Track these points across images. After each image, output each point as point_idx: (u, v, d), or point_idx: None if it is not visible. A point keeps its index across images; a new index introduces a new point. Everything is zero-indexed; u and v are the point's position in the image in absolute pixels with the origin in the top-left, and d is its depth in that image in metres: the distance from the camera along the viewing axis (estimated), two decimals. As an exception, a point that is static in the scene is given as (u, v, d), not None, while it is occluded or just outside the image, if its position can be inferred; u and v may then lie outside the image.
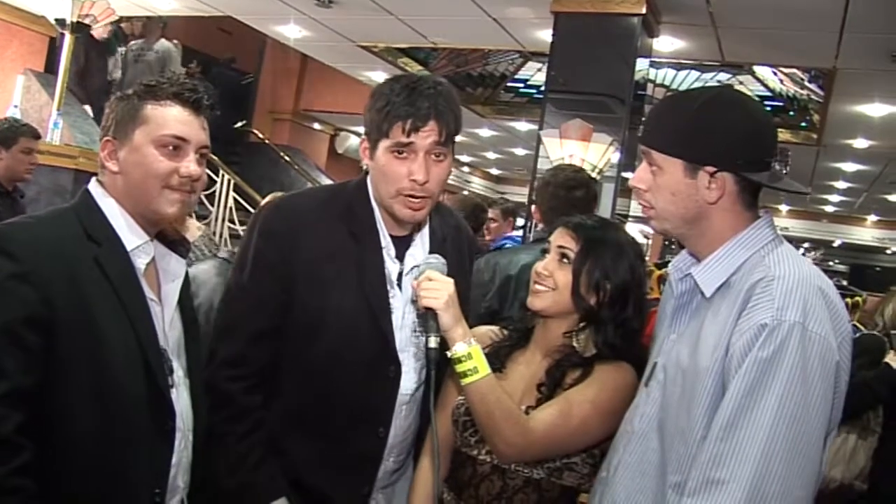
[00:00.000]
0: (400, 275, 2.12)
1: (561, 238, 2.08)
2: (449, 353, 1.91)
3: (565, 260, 2.04)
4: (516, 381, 2.04)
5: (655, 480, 1.73)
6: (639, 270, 2.06)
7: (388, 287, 2.09)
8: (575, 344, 2.04)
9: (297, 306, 2.04)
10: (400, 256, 2.13)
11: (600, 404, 1.95)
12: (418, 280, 1.94)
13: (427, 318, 1.91)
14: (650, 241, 19.13)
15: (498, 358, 2.09)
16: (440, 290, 1.89)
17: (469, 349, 1.88)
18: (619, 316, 2.02)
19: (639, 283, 2.06)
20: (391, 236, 2.12)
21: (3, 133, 4.63)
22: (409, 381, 2.10)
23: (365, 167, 2.13)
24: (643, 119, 1.88)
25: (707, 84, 10.02)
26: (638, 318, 2.04)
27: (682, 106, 1.75)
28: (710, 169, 1.66)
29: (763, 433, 1.49)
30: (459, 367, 1.89)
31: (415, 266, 2.08)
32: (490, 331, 2.20)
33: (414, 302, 2.04)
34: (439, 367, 1.97)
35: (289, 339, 2.06)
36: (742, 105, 1.73)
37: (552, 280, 2.04)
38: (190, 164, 1.80)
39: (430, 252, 2.15)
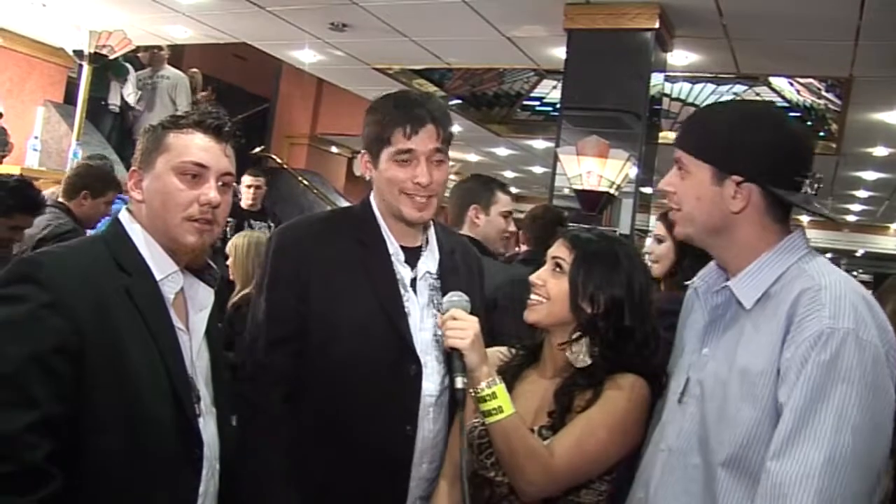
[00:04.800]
0: (414, 280, 2.21)
1: (557, 249, 2.07)
2: (472, 392, 1.91)
3: (558, 269, 2.03)
4: (527, 400, 2.01)
5: (702, 498, 1.70)
6: (636, 283, 2.03)
7: (402, 290, 2.18)
8: (569, 355, 2.01)
9: (314, 315, 2.14)
10: (411, 264, 2.22)
11: (615, 427, 1.93)
12: (443, 319, 1.95)
13: (453, 357, 1.91)
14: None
15: (506, 378, 2.06)
16: (466, 330, 1.90)
17: (493, 388, 1.87)
18: (616, 327, 1.99)
19: (636, 295, 2.02)
20: (404, 247, 2.22)
21: (97, 180, 4.78)
22: (432, 382, 2.16)
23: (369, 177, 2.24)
24: (677, 125, 1.92)
25: (723, 97, 10.02)
26: (642, 330, 2.01)
27: (721, 114, 1.82)
28: (737, 178, 1.69)
29: (825, 444, 1.48)
30: (483, 406, 1.88)
31: (427, 272, 2.21)
32: (498, 351, 2.19)
33: (438, 340, 2.14)
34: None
35: (310, 347, 2.14)
36: (780, 123, 1.75)
37: (545, 289, 2.03)
38: (210, 192, 1.81)
39: (441, 261, 2.26)
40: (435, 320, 2.19)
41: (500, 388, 1.88)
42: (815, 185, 1.70)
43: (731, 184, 1.69)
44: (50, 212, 4.50)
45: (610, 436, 1.92)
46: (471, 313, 2.22)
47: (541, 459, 1.87)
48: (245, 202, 7.19)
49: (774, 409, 1.57)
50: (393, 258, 2.20)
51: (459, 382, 1.88)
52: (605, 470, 1.95)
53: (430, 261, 2.25)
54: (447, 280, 2.25)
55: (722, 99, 10.06)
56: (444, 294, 2.20)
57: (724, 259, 1.79)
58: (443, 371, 2.18)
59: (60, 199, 4.70)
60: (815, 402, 1.50)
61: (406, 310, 2.17)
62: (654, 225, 3.30)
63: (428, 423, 2.15)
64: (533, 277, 2.07)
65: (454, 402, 2.12)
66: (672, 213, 1.81)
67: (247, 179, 7.20)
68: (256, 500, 2.05)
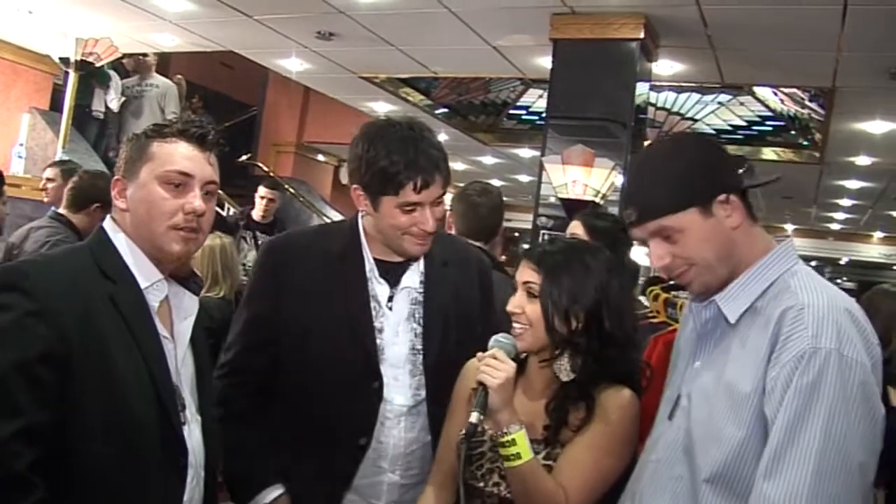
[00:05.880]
0: (392, 297, 2.26)
1: (524, 273, 2.05)
2: (491, 435, 1.96)
3: (531, 294, 2.03)
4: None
5: None
6: (612, 285, 2.03)
7: (376, 307, 2.23)
8: (554, 370, 2.02)
9: (285, 328, 2.23)
10: (394, 279, 2.26)
11: (616, 449, 1.96)
12: (483, 355, 1.96)
13: (479, 392, 1.92)
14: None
15: None
16: (499, 372, 1.90)
17: (513, 435, 1.88)
18: (599, 336, 2.00)
19: (614, 298, 2.02)
20: (387, 262, 2.26)
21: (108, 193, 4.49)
22: (403, 394, 2.23)
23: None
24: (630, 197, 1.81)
25: (708, 106, 10.09)
26: (622, 329, 2.01)
27: (655, 166, 1.78)
28: (722, 197, 1.69)
29: (811, 465, 1.48)
30: (502, 451, 1.90)
31: (407, 287, 2.26)
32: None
33: (415, 352, 2.24)
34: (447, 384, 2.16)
35: (280, 355, 2.26)
36: (698, 138, 1.85)
37: (525, 317, 2.02)
38: (195, 200, 1.81)
39: (427, 274, 2.29)
40: (413, 334, 2.25)
41: (520, 434, 1.89)
42: (750, 169, 1.75)
43: (718, 206, 1.69)
44: (49, 225, 4.40)
45: (613, 460, 1.96)
46: (471, 320, 2.29)
47: (556, 503, 1.89)
48: (257, 214, 7.24)
49: (761, 429, 1.58)
50: (369, 275, 2.25)
51: (474, 417, 1.89)
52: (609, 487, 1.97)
53: (414, 275, 2.29)
54: (432, 293, 2.29)
55: (707, 108, 10.14)
56: (425, 305, 2.27)
57: (725, 281, 1.75)
58: (416, 383, 2.24)
59: (60, 211, 4.50)
60: (801, 421, 1.50)
61: (378, 325, 2.22)
62: (573, 224, 3.19)
63: (398, 433, 2.22)
64: (510, 307, 2.06)
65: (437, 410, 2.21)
66: (686, 278, 1.77)
67: (261, 191, 7.25)
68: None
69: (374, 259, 2.26)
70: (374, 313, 2.23)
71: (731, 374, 1.66)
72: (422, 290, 2.28)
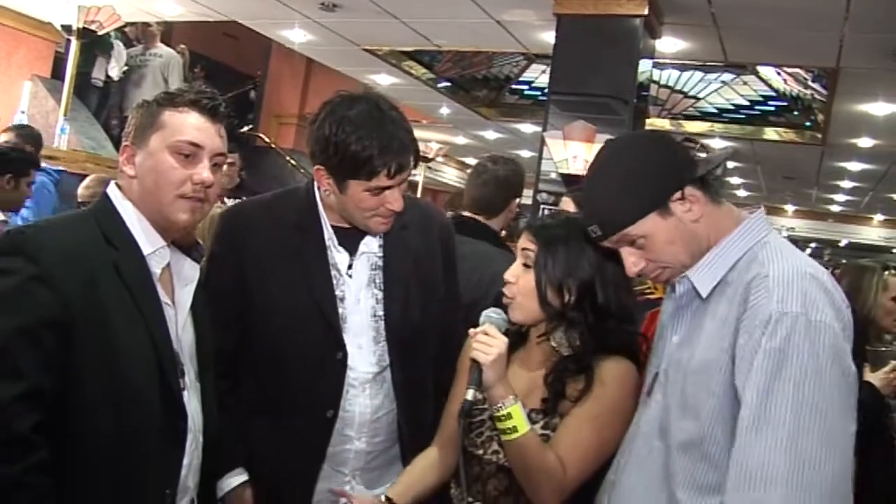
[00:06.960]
0: (350, 265, 2.24)
1: (524, 241, 2.07)
2: (488, 410, 1.96)
3: (528, 264, 2.03)
4: (517, 383, 2.00)
5: (659, 482, 1.73)
6: (606, 262, 2.00)
7: (336, 275, 2.21)
8: (553, 344, 2.04)
9: (248, 298, 2.21)
10: (353, 246, 2.24)
11: (615, 422, 1.96)
12: (475, 331, 1.97)
13: (473, 369, 1.93)
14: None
15: None
16: (491, 348, 1.90)
17: (509, 409, 1.89)
18: (593, 309, 2.00)
19: (610, 271, 2.00)
20: (344, 228, 2.24)
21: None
22: (367, 362, 2.23)
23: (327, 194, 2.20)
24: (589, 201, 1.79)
25: (711, 85, 10.06)
26: (618, 302, 2.02)
27: (606, 178, 1.78)
28: (677, 195, 1.70)
29: (788, 428, 1.49)
30: (499, 425, 1.91)
31: (366, 252, 2.24)
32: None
33: (376, 318, 2.23)
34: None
35: (245, 329, 2.24)
36: (643, 137, 1.85)
37: (517, 286, 2.04)
38: (203, 171, 1.82)
39: (386, 238, 2.26)
40: (374, 300, 2.24)
41: (516, 408, 1.90)
42: (700, 148, 1.74)
43: (675, 204, 1.70)
44: None
45: (611, 431, 1.96)
46: (434, 283, 2.31)
47: (554, 476, 1.90)
48: None
49: (731, 395, 1.60)
50: (328, 243, 2.23)
51: (470, 395, 1.91)
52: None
53: (372, 240, 2.26)
54: (391, 256, 2.28)
55: (710, 87, 10.12)
56: (385, 270, 2.26)
57: (696, 260, 1.78)
58: (380, 350, 2.24)
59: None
60: (771, 390, 1.51)
61: (340, 294, 2.21)
62: (563, 201, 3.20)
63: (364, 400, 2.22)
64: (507, 275, 2.07)
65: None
66: (662, 278, 1.82)
67: None
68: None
69: (332, 227, 2.24)
70: (334, 282, 2.21)
71: (704, 347, 1.68)
72: (381, 255, 2.27)
